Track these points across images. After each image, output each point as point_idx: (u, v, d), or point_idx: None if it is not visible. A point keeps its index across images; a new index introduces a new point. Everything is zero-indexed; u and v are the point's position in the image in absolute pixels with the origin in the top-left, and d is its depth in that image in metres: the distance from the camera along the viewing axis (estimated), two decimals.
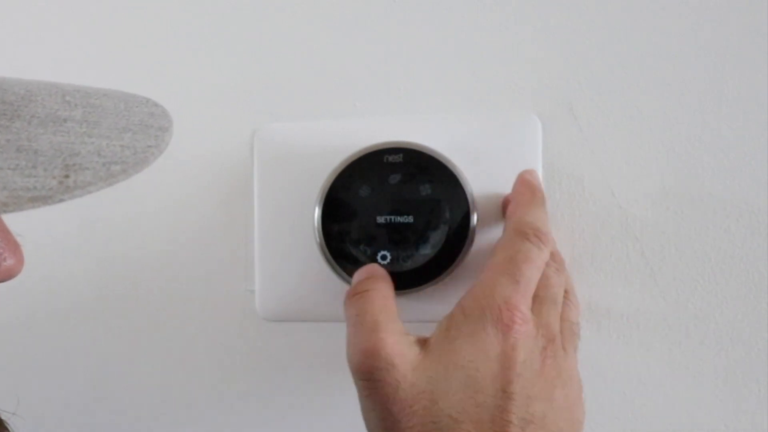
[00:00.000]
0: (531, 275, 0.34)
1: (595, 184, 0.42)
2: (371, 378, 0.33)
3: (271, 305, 0.44)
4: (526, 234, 0.35)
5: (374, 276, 0.37)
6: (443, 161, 0.40)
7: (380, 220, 0.40)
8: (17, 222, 0.51)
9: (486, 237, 0.40)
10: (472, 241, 0.40)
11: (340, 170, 0.41)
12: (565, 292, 0.37)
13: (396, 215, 0.40)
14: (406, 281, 0.40)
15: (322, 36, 0.45)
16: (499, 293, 0.34)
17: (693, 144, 0.40)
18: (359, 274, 0.38)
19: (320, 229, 0.41)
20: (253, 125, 0.45)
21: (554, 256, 0.37)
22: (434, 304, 0.40)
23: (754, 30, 0.40)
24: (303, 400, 0.46)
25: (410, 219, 0.40)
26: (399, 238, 0.40)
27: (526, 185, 0.39)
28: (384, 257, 0.40)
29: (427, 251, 0.40)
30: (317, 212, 0.41)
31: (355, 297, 0.36)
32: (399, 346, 0.33)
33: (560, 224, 0.42)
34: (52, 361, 0.50)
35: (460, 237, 0.39)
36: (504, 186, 0.41)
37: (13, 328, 0.51)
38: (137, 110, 0.28)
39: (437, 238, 0.40)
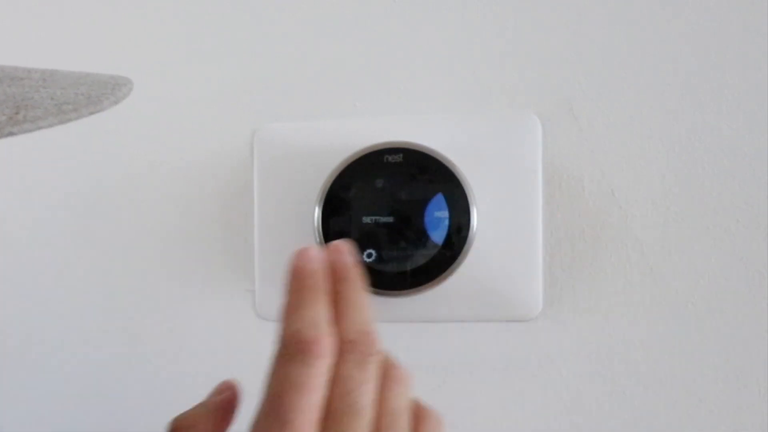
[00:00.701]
0: (303, 405, 0.27)
1: (595, 184, 0.42)
2: None
3: (271, 305, 0.44)
4: (290, 353, 0.28)
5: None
6: (443, 161, 0.40)
7: (380, 220, 0.40)
8: (16, 218, 0.51)
9: (486, 237, 0.40)
10: (472, 241, 0.40)
11: (340, 170, 0.41)
12: (387, 372, 0.29)
13: (396, 215, 0.40)
14: (405, 281, 0.40)
15: (322, 36, 0.45)
16: None
17: (693, 144, 0.40)
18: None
19: (320, 229, 0.41)
20: (253, 125, 0.45)
21: (355, 345, 0.28)
22: (434, 304, 0.40)
23: (754, 30, 0.40)
24: None
25: (410, 219, 0.40)
26: (399, 238, 0.40)
27: (293, 274, 0.30)
28: (384, 257, 0.40)
29: (427, 251, 0.40)
30: (317, 212, 0.41)
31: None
32: None
33: (560, 224, 0.42)
34: (52, 359, 0.50)
35: (460, 237, 0.39)
36: (504, 186, 0.41)
37: (15, 327, 0.51)
38: (98, 75, 0.28)
39: (437, 238, 0.40)
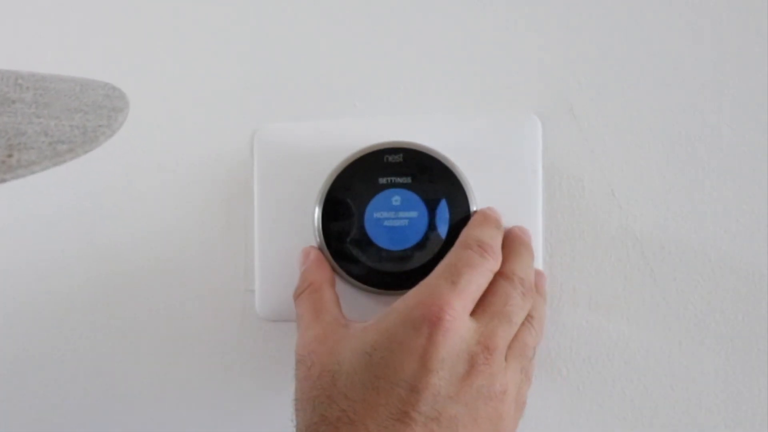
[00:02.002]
0: (470, 278, 0.35)
1: (595, 184, 0.42)
2: (297, 362, 0.37)
3: (271, 305, 0.44)
4: (469, 245, 0.36)
5: (312, 268, 0.40)
6: (443, 161, 0.40)
7: (380, 220, 0.40)
8: (16, 217, 0.51)
9: None
10: None
11: (340, 170, 0.41)
12: (530, 316, 0.37)
13: (396, 215, 0.40)
14: (406, 281, 0.40)
15: (322, 36, 0.45)
16: (432, 292, 0.34)
17: (693, 144, 0.40)
18: (301, 259, 0.41)
19: (320, 229, 0.41)
20: (253, 125, 0.45)
21: (524, 282, 0.37)
22: None
23: (754, 30, 0.40)
24: None
25: (410, 219, 0.40)
26: (399, 238, 0.40)
27: (481, 213, 0.40)
28: (384, 257, 0.40)
29: (427, 251, 0.40)
30: (317, 212, 0.41)
31: (298, 298, 0.40)
32: (322, 336, 0.36)
33: (560, 224, 0.42)
34: (52, 360, 0.50)
35: None
36: (504, 186, 0.41)
37: (13, 330, 0.51)
38: (92, 92, 0.27)
39: (437, 238, 0.40)
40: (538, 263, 0.41)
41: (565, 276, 0.42)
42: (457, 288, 0.34)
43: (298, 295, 0.40)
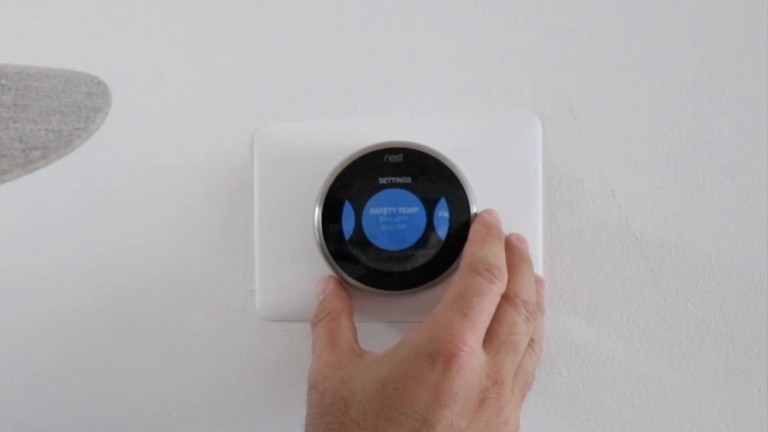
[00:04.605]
0: (482, 308, 0.35)
1: (595, 184, 0.42)
2: (310, 387, 0.37)
3: (271, 305, 0.44)
4: (476, 269, 0.36)
5: (330, 297, 0.40)
6: (443, 161, 0.40)
7: (380, 220, 0.40)
8: (18, 206, 0.51)
9: None
10: None
11: (340, 170, 0.41)
12: (531, 340, 0.37)
13: (396, 215, 0.40)
14: (406, 281, 0.40)
15: (322, 36, 0.45)
16: (446, 326, 0.34)
17: (693, 144, 0.40)
18: (320, 288, 0.41)
19: (320, 229, 0.41)
20: (253, 125, 0.45)
21: (527, 305, 0.37)
22: (434, 304, 0.40)
23: (754, 30, 0.40)
24: (303, 399, 0.46)
25: (410, 219, 0.40)
26: (399, 238, 0.40)
27: (482, 223, 0.39)
28: (383, 257, 0.40)
29: (427, 251, 0.40)
30: (317, 212, 0.41)
31: (316, 325, 0.40)
32: (336, 364, 0.37)
33: (560, 224, 0.42)
34: (51, 360, 0.50)
35: (460, 237, 0.39)
36: (504, 186, 0.41)
37: (12, 327, 0.51)
38: (75, 90, 0.27)
39: (437, 238, 0.40)
40: (538, 263, 0.41)
41: (565, 276, 0.42)
42: (469, 320, 0.34)
43: (316, 323, 0.40)
